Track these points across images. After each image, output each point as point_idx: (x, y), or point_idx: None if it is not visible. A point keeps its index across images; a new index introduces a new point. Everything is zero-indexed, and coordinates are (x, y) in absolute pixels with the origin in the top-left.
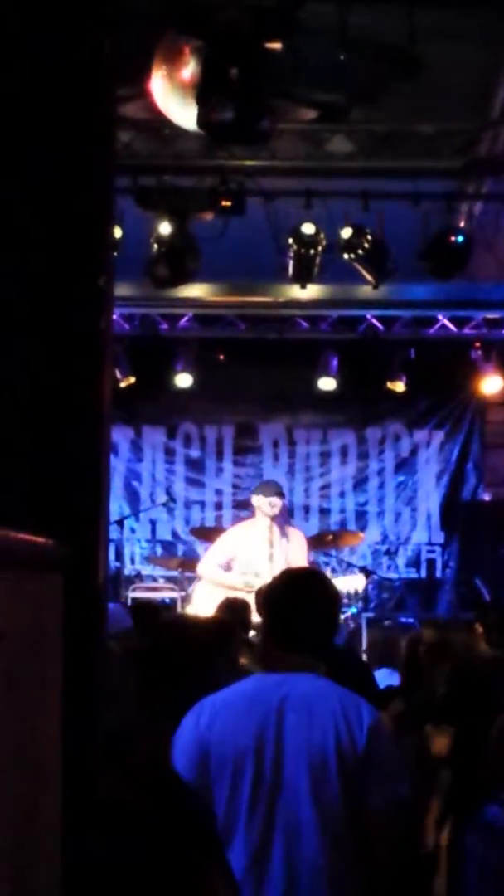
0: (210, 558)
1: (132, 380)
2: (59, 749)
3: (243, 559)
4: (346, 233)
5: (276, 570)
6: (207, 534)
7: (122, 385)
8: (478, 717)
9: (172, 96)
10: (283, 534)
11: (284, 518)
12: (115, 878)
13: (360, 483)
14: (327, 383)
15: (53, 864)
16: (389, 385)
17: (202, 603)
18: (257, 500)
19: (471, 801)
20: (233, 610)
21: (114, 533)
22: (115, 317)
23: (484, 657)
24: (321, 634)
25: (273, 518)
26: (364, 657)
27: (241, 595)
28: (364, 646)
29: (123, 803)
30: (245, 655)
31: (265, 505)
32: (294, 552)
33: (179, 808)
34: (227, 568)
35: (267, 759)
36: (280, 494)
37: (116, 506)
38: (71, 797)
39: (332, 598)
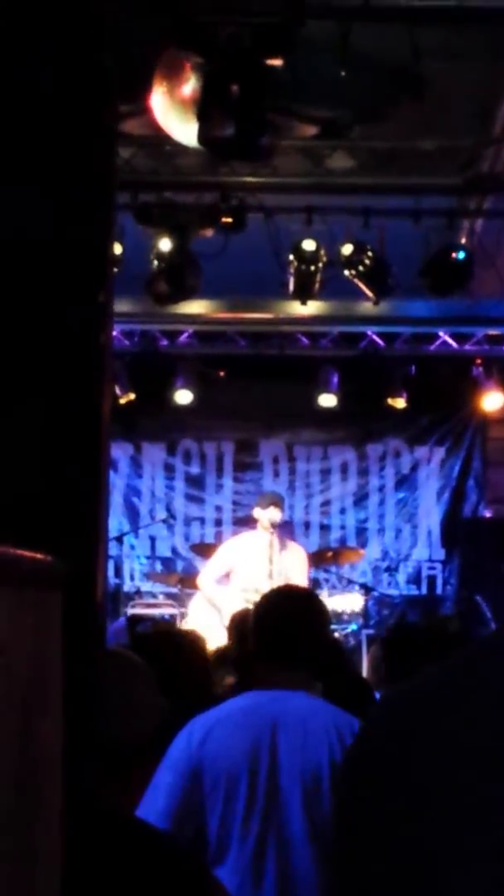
0: (208, 571)
1: (132, 396)
2: (60, 766)
3: (243, 574)
4: (347, 249)
5: (276, 585)
6: (207, 550)
7: (122, 401)
8: None
9: (173, 112)
10: (284, 548)
11: (285, 532)
12: (116, 887)
13: (360, 499)
14: (328, 399)
15: (53, 876)
16: (390, 401)
17: (199, 616)
18: (257, 512)
19: None
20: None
21: (113, 549)
22: (115, 333)
23: None
24: (310, 651)
25: (273, 532)
26: (364, 674)
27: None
28: (364, 663)
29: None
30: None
31: (264, 516)
32: (294, 568)
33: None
34: (226, 580)
35: (260, 777)
36: (278, 505)
37: (116, 522)
38: (71, 812)
39: (319, 615)
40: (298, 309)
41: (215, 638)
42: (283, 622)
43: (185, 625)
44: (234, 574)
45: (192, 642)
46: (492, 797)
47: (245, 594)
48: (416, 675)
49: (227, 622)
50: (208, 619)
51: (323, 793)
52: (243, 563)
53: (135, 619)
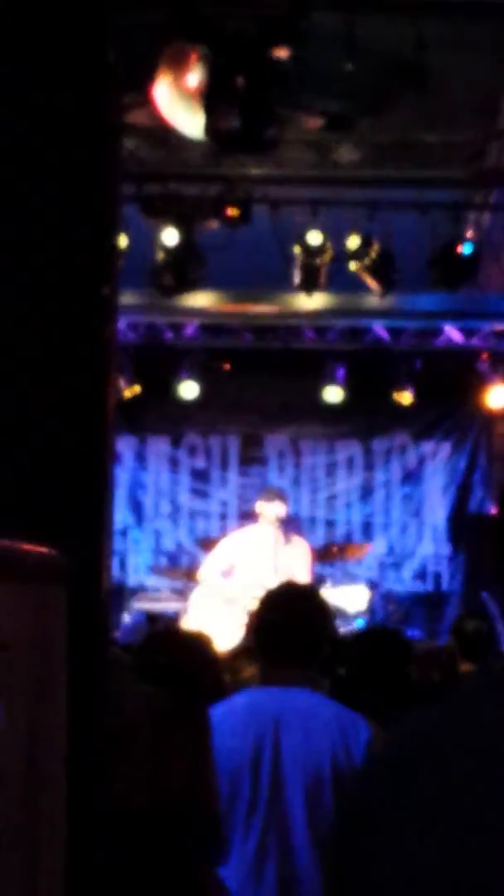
0: (210, 564)
1: (137, 389)
2: (64, 758)
3: (247, 569)
4: (353, 242)
5: (281, 580)
6: (212, 544)
7: (127, 394)
8: None
9: (178, 104)
10: (287, 542)
11: (292, 527)
12: (117, 880)
13: (366, 494)
14: (333, 394)
15: (57, 867)
16: (396, 396)
17: (199, 610)
18: (260, 507)
19: None
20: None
21: (117, 543)
22: (119, 325)
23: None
24: (312, 648)
25: (277, 525)
26: None
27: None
28: None
29: (125, 807)
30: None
31: (267, 511)
32: (297, 563)
33: (181, 812)
34: (229, 573)
35: (263, 775)
36: (281, 499)
37: (120, 516)
38: (75, 805)
39: (321, 612)
40: (304, 302)
41: (221, 632)
42: (285, 620)
43: (186, 619)
44: (238, 568)
45: (198, 640)
46: (490, 824)
47: (252, 590)
48: (412, 718)
49: (240, 616)
50: (212, 614)
51: (325, 790)
52: (248, 558)
53: (153, 618)
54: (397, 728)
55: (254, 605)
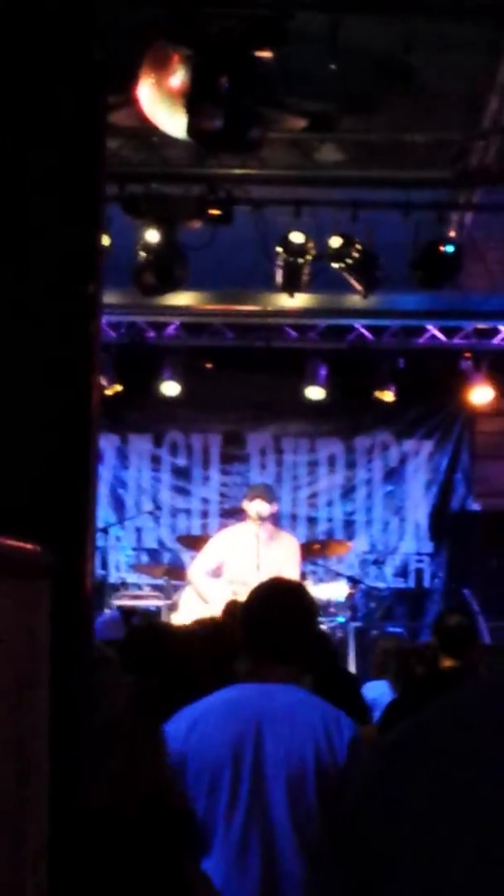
0: (199, 564)
1: (119, 388)
2: (47, 753)
3: (232, 567)
4: (336, 242)
5: (265, 578)
6: (193, 542)
7: (109, 393)
8: None
9: (161, 104)
10: (272, 539)
11: (275, 523)
12: (100, 877)
13: (347, 492)
14: (315, 392)
15: (40, 862)
16: (378, 394)
17: (188, 610)
18: (245, 504)
19: None
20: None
21: (99, 541)
22: (101, 324)
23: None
24: (298, 645)
25: (261, 524)
26: (352, 667)
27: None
28: (351, 656)
29: (109, 804)
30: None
31: (251, 508)
32: (284, 558)
33: (161, 809)
34: (217, 573)
35: (244, 770)
36: (264, 497)
37: (102, 514)
38: (58, 799)
39: (308, 608)
40: (286, 301)
41: None
42: (271, 616)
43: (174, 617)
44: (224, 567)
45: (185, 634)
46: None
47: (232, 586)
48: (410, 719)
49: (217, 614)
50: (198, 612)
51: (307, 786)
52: (232, 556)
53: (128, 612)
54: (407, 720)
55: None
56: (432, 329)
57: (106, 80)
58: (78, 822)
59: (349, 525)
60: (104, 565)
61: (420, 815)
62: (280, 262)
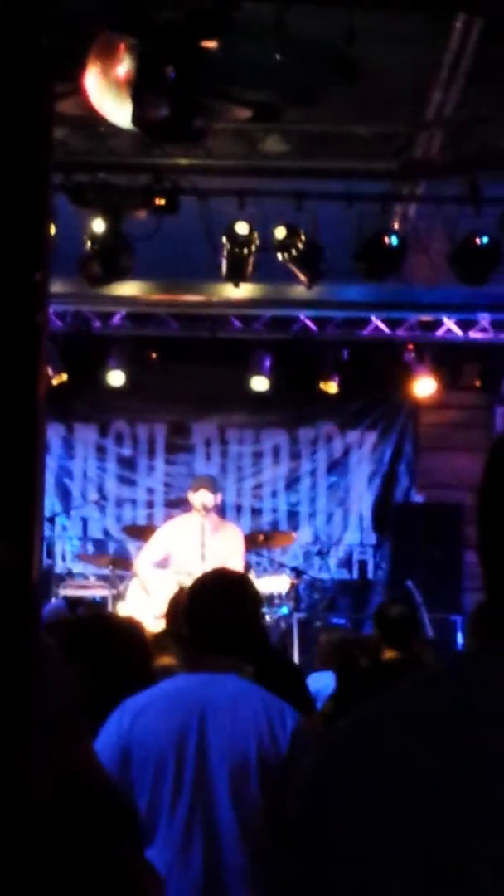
0: (146, 555)
1: (64, 377)
2: None
3: (177, 557)
4: (280, 233)
5: (209, 568)
6: (139, 532)
7: (55, 382)
8: None
9: (107, 94)
10: (217, 530)
11: (220, 514)
12: (43, 873)
13: (292, 483)
14: (260, 383)
15: None
16: (322, 385)
17: (135, 600)
18: (190, 495)
19: None
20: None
21: (45, 530)
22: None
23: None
24: (243, 635)
25: (206, 514)
26: (296, 658)
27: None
28: (296, 647)
29: (55, 797)
30: (174, 654)
31: (196, 499)
32: (229, 549)
33: (104, 801)
34: (164, 563)
35: (188, 761)
36: (209, 488)
37: (48, 503)
38: (3, 793)
39: (253, 599)
40: (231, 292)
41: (149, 622)
42: (215, 606)
43: (120, 608)
44: (171, 558)
45: (129, 625)
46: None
47: (178, 577)
48: (358, 709)
49: (159, 606)
50: (143, 603)
51: (250, 776)
52: (178, 547)
53: (73, 602)
54: (356, 710)
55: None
56: (376, 321)
57: (52, 70)
58: (24, 815)
59: (293, 516)
60: (50, 555)
61: (400, 812)
62: (225, 253)
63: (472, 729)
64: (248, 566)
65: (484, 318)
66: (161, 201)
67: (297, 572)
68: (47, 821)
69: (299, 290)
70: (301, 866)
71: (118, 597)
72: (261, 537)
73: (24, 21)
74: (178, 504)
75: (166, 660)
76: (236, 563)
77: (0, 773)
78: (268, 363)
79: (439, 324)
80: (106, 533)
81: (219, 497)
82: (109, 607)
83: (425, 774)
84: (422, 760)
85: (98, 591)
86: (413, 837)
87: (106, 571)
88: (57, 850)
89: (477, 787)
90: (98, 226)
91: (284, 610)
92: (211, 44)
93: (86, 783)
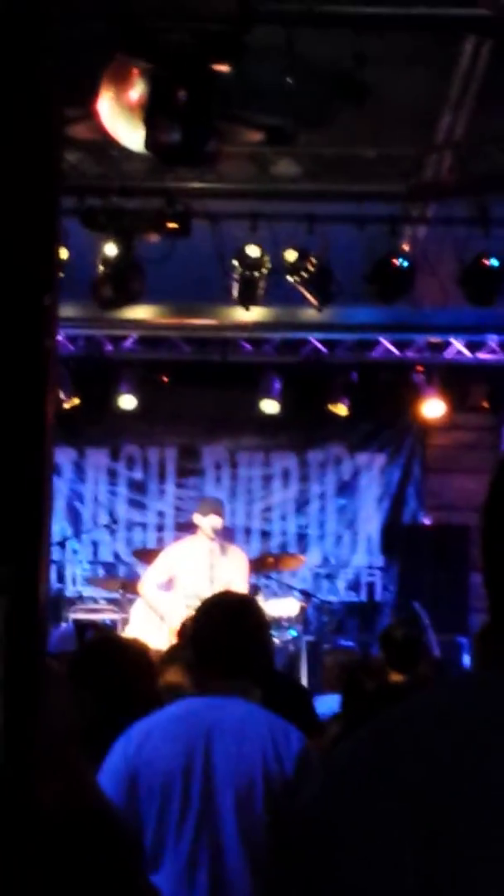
0: (150, 577)
1: (76, 401)
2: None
3: (185, 580)
4: (291, 256)
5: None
6: (149, 556)
7: (66, 406)
8: None
9: (120, 118)
10: (224, 553)
11: (226, 537)
12: (50, 891)
13: (301, 506)
14: (270, 406)
15: None
16: (332, 408)
17: (140, 623)
18: (197, 518)
19: None
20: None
21: (55, 554)
22: (59, 337)
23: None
24: (248, 658)
25: (214, 538)
26: (304, 681)
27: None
28: (304, 669)
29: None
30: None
31: (204, 523)
32: (234, 573)
33: (108, 824)
34: (168, 586)
35: (194, 784)
36: (218, 511)
37: (58, 527)
38: (9, 817)
39: (257, 621)
40: (242, 315)
41: (156, 644)
42: (220, 629)
43: (127, 631)
44: (177, 580)
45: (136, 650)
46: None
47: (187, 601)
48: (364, 727)
49: (170, 628)
50: (149, 625)
51: (256, 799)
52: (185, 570)
53: (82, 626)
54: (361, 727)
55: (187, 615)
56: (385, 343)
57: (61, 92)
58: (30, 838)
59: (302, 539)
60: (60, 578)
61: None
62: (236, 276)
63: (473, 740)
64: (256, 589)
65: (492, 340)
66: (173, 225)
67: (306, 595)
68: (54, 842)
69: (309, 313)
70: (305, 869)
71: (128, 621)
72: (270, 560)
73: (34, 44)
74: (189, 527)
75: (173, 676)
76: (241, 586)
77: (8, 795)
78: (277, 386)
79: (448, 345)
80: (116, 557)
81: (224, 520)
82: (119, 631)
83: (428, 781)
84: (424, 768)
85: (108, 615)
86: (415, 840)
87: (116, 595)
88: (64, 869)
89: (478, 794)
90: (110, 249)
91: (293, 633)
92: (223, 67)
93: (88, 807)
